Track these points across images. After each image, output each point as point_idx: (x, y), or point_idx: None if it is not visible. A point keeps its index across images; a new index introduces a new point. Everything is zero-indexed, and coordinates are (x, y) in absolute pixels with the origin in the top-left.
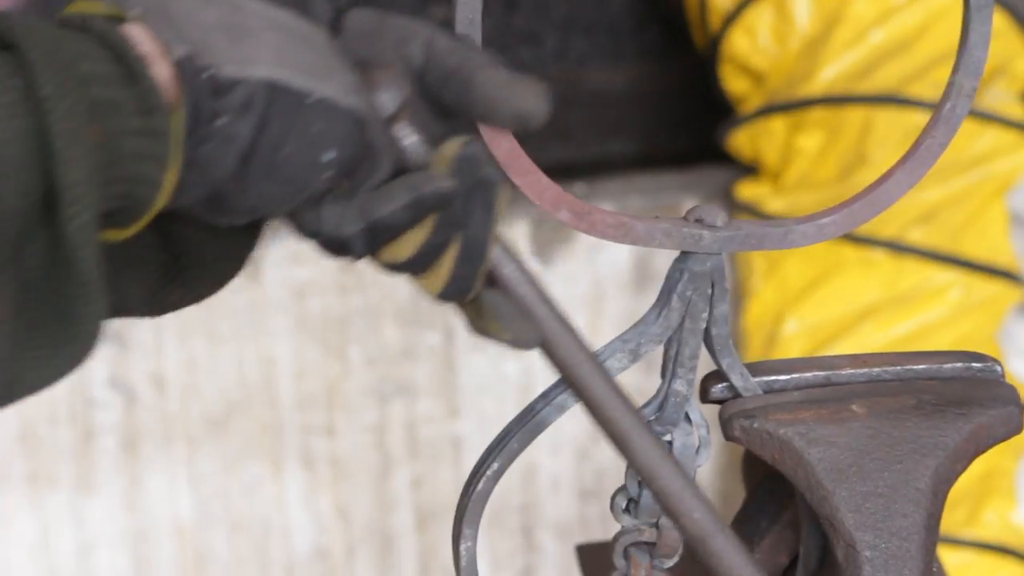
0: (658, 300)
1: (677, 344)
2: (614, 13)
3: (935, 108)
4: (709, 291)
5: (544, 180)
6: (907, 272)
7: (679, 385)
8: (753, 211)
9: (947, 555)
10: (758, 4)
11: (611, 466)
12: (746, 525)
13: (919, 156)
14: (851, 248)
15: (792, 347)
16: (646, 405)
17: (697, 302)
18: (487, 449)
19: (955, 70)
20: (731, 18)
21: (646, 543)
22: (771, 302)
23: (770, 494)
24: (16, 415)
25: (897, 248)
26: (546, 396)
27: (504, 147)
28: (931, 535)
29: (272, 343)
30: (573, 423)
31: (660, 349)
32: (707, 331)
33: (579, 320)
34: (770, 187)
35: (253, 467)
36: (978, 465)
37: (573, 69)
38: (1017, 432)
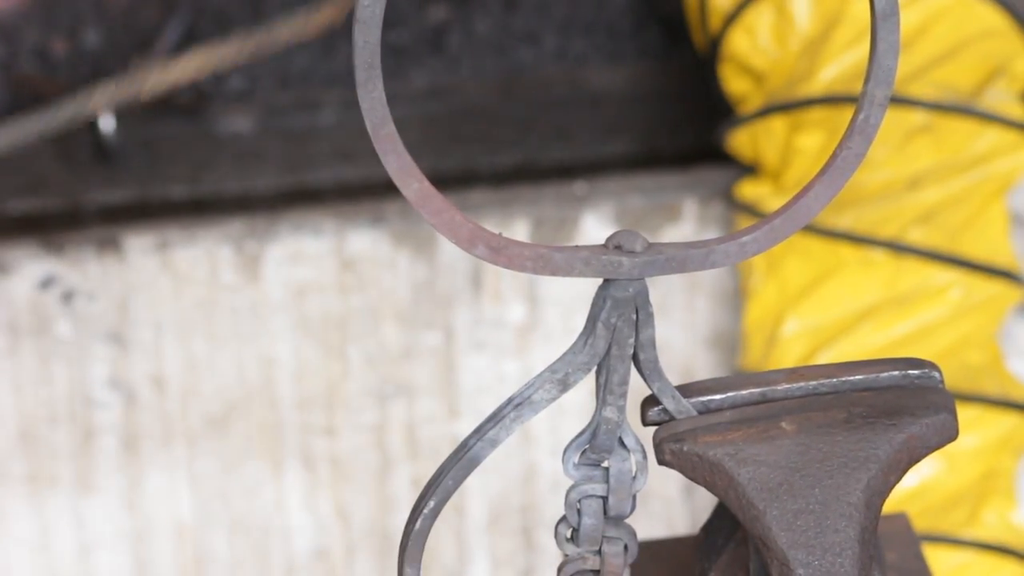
0: (584, 329)
1: (606, 372)
2: (614, 13)
3: (851, 119)
4: (634, 317)
5: (459, 217)
6: (907, 272)
7: (610, 412)
8: (753, 211)
9: (947, 555)
10: (758, 4)
11: None
12: (707, 542)
13: (837, 167)
14: (851, 248)
15: (792, 348)
16: (580, 434)
17: (622, 328)
18: (424, 488)
19: (866, 80)
20: (731, 18)
21: (590, 571)
22: (771, 303)
23: (727, 511)
24: (16, 415)
25: (897, 248)
26: (479, 431)
27: (413, 187)
28: (865, 549)
29: (272, 343)
30: (573, 423)
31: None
32: (635, 356)
33: (581, 319)
34: (770, 187)
35: (253, 467)
36: (978, 465)
37: (573, 69)
38: (952, 439)
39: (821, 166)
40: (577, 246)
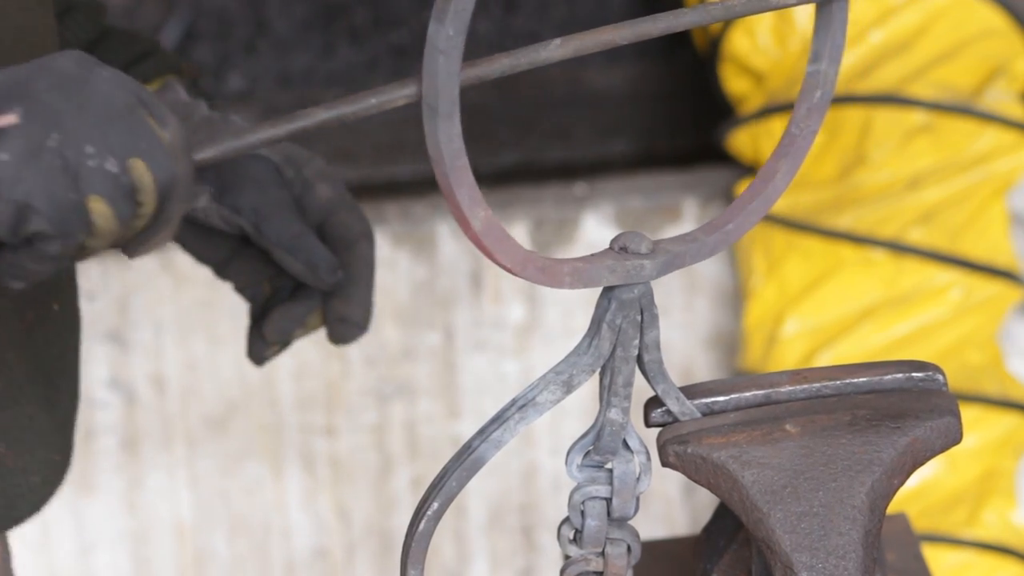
0: (589, 330)
1: (610, 373)
2: (614, 13)
3: (799, 98)
4: (638, 318)
5: (516, 244)
6: (907, 272)
7: (614, 414)
8: None
9: (947, 555)
10: None
11: None
12: (708, 543)
13: (797, 146)
14: (851, 248)
15: (792, 348)
16: (584, 435)
17: (627, 330)
18: (427, 489)
19: (818, 59)
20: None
21: (593, 572)
22: (771, 303)
23: (728, 512)
24: None
25: (897, 248)
26: (483, 432)
27: (480, 217)
28: (868, 552)
29: None
30: (573, 423)
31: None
32: (640, 358)
33: (581, 319)
34: None
35: (253, 467)
36: (978, 465)
37: (573, 69)
38: (956, 442)
39: (824, 165)
40: (598, 254)
